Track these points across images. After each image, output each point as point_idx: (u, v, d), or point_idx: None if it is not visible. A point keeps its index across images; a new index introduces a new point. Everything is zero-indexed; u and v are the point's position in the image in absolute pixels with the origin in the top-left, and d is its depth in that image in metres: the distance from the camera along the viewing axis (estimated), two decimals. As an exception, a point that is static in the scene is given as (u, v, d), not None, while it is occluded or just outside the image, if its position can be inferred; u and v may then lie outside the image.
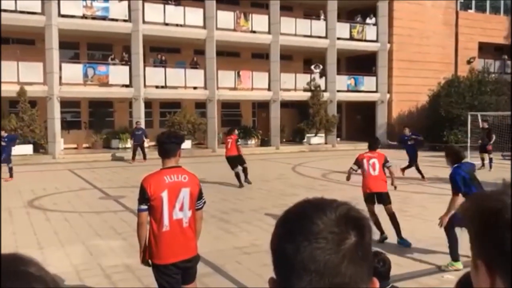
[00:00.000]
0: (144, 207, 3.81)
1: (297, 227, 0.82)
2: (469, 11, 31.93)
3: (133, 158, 20.10)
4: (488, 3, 32.69)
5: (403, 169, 14.95)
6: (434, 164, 19.59)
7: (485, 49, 31.84)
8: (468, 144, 20.21)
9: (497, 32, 31.96)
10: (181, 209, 3.85)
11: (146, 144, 20.24)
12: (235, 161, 13.56)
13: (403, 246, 7.43)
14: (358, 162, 8.22)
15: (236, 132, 14.26)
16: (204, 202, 4.11)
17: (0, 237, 7.96)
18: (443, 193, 11.78)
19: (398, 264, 6.13)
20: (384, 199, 7.87)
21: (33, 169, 17.86)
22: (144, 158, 20.01)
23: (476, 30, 30.85)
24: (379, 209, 7.90)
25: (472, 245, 0.88)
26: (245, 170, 13.60)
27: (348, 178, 8.75)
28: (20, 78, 20.48)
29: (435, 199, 11.42)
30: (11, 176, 14.97)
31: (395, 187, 8.55)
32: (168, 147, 3.90)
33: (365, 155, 8.21)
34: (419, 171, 14.80)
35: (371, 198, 7.86)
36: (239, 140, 14.01)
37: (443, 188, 12.68)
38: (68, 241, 7.83)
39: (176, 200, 3.82)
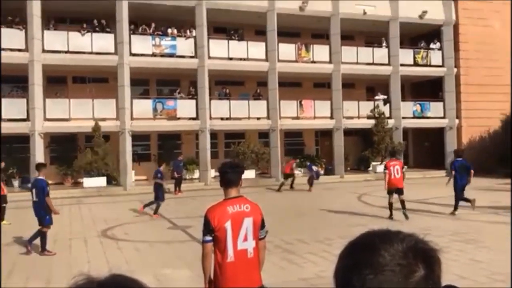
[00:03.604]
0: (208, 238, 3.83)
1: (363, 259, 0.80)
2: (543, 30, 30.35)
3: (179, 189, 20.56)
4: None
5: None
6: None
7: None
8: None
9: None
10: (245, 239, 3.84)
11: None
12: (289, 176, 21.41)
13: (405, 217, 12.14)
14: (387, 167, 12.60)
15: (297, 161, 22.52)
16: (267, 232, 4.08)
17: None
18: (521, 223, 11.10)
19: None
20: (400, 191, 12.40)
21: (106, 201, 18.73)
22: (180, 190, 20.51)
23: (552, 49, 29.18)
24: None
25: None
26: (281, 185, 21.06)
27: (385, 184, 12.76)
28: (95, 114, 21.79)
29: (512, 229, 10.77)
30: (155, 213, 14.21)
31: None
32: (231, 176, 3.92)
33: (391, 164, 12.60)
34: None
35: (393, 191, 12.47)
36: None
37: (521, 218, 11.95)
38: (138, 270, 8.08)
39: (240, 230, 3.82)
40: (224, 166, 4.01)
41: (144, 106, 22.98)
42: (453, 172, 13.33)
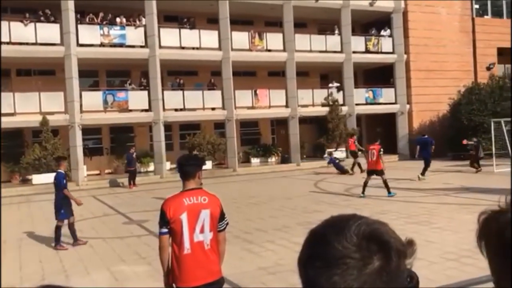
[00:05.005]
0: (164, 230, 3.78)
1: (317, 252, 0.79)
2: (486, 17, 31.60)
3: (133, 183, 20.33)
4: (504, 8, 32.33)
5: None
6: (459, 173, 19.24)
7: (505, 54, 31.34)
8: (493, 152, 19.82)
9: (516, 37, 31.50)
10: (202, 231, 3.80)
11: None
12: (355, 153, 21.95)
13: (392, 196, 13.49)
14: (367, 150, 14.48)
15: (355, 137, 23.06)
16: (227, 223, 4.04)
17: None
18: (471, 203, 11.56)
19: (428, 278, 5.97)
20: (378, 173, 13.67)
21: (57, 197, 18.05)
22: (134, 184, 20.31)
23: (494, 35, 30.44)
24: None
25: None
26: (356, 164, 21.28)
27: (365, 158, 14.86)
28: (42, 108, 20.91)
29: (463, 209, 11.17)
30: None
31: (384, 168, 13.94)
32: (187, 169, 3.89)
33: (370, 147, 14.17)
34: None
35: (370, 172, 13.87)
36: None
37: (470, 198, 12.45)
38: (93, 268, 7.85)
39: (196, 222, 3.78)
40: (181, 158, 4.01)
41: (94, 99, 22.25)
42: (418, 147, 18.30)
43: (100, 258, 8.54)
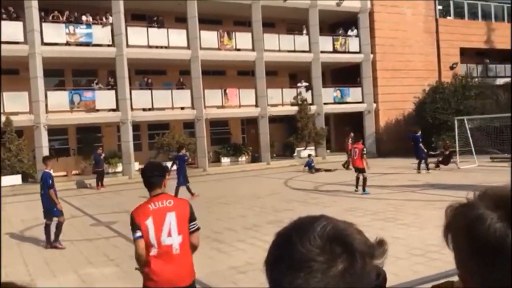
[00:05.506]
0: (139, 234, 3.74)
1: (282, 254, 0.79)
2: (448, 18, 32.48)
3: (101, 184, 19.97)
4: (466, 9, 33.32)
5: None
6: (425, 170, 19.70)
7: (467, 54, 32.34)
8: (457, 149, 20.39)
9: (477, 37, 32.54)
10: (169, 234, 3.76)
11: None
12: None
13: (366, 194, 13.97)
14: (350, 150, 15.91)
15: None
16: (198, 228, 3.95)
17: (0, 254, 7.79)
18: (436, 199, 11.85)
19: (395, 274, 6.09)
20: (360, 171, 14.35)
21: (22, 199, 17.60)
22: (102, 185, 19.95)
23: (457, 36, 31.34)
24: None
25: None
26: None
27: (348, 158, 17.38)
28: (6, 108, 20.33)
29: (429, 206, 11.44)
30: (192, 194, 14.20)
31: (368, 167, 14.39)
32: (152, 180, 3.87)
33: (353, 146, 15.30)
34: None
35: (356, 170, 14.62)
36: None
37: (435, 194, 12.78)
38: (60, 271, 7.69)
39: (163, 226, 3.75)
40: (145, 169, 3.95)
41: (60, 98, 21.77)
42: (413, 143, 19.11)
43: (67, 260, 8.38)
